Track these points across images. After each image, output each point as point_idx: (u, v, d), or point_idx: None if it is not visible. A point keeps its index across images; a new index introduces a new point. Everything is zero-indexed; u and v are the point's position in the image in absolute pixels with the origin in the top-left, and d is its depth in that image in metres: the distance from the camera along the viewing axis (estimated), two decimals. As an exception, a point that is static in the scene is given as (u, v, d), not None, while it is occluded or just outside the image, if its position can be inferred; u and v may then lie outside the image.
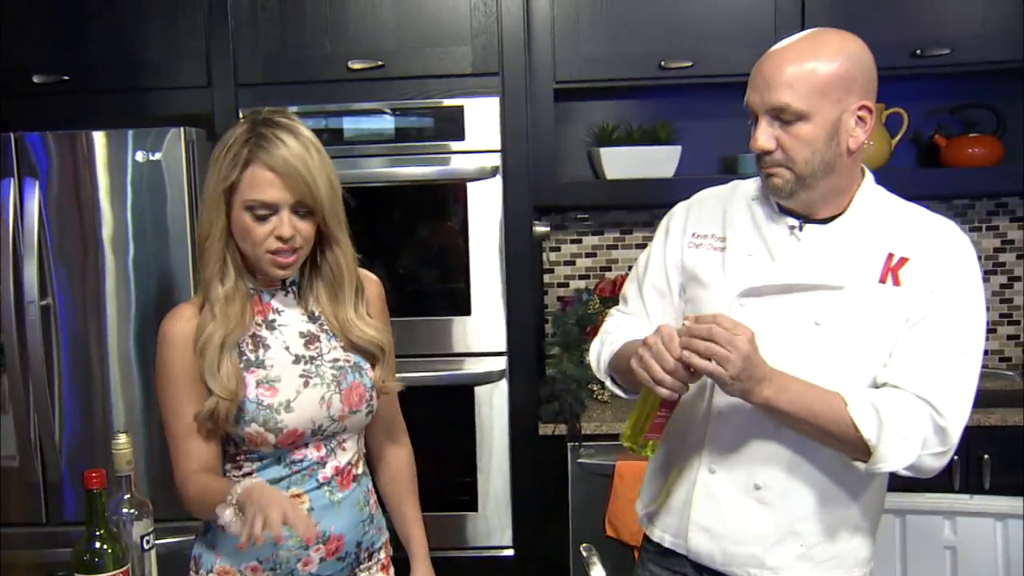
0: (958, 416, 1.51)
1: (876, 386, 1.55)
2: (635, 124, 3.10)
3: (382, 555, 1.78)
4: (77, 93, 2.72)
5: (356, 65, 2.67)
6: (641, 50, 2.85)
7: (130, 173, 2.55)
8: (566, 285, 3.30)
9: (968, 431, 1.53)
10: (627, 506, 2.66)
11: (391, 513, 1.84)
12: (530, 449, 2.74)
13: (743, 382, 1.44)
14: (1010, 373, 3.13)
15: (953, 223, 1.62)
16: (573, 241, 3.30)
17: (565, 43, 2.84)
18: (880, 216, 1.60)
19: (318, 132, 2.65)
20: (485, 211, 2.66)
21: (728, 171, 3.16)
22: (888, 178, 2.97)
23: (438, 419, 2.79)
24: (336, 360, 1.64)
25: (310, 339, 1.64)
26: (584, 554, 1.44)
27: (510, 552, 2.77)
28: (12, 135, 2.53)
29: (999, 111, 3.05)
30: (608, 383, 1.79)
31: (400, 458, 1.85)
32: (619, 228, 3.28)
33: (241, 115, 2.63)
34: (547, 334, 3.11)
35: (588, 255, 3.29)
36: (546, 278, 3.30)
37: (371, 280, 1.75)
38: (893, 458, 1.48)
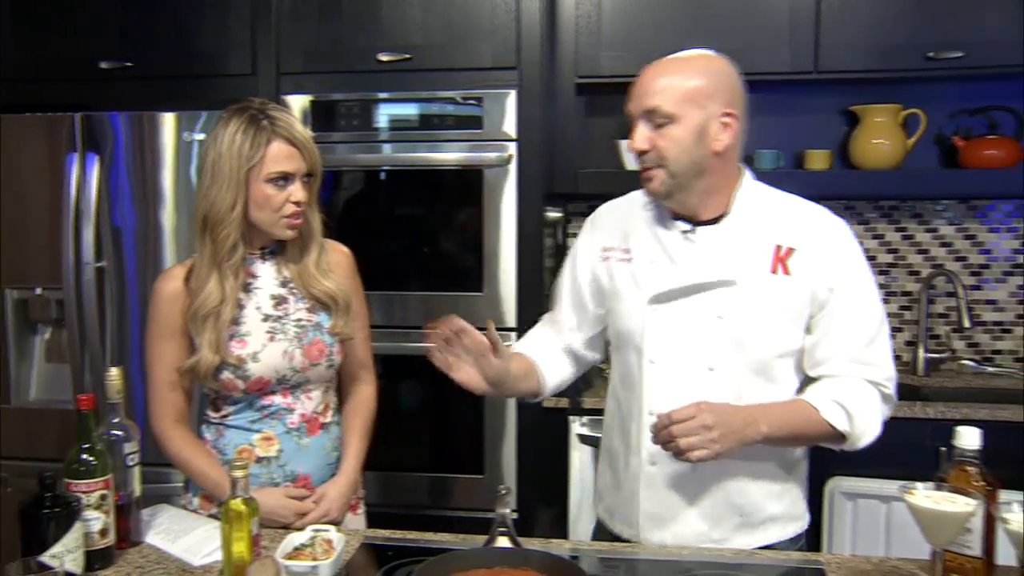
0: (893, 380, 1.76)
1: (813, 379, 1.75)
2: (657, 118, 3.22)
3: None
4: (138, 79, 3.02)
5: (385, 57, 2.89)
6: (659, 48, 2.95)
7: (179, 151, 2.84)
8: (588, 270, 3.46)
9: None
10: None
11: (342, 439, 2.01)
12: (535, 420, 2.91)
13: (730, 439, 1.59)
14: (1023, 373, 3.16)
15: (826, 210, 1.77)
16: (596, 229, 3.46)
17: (587, 40, 3.01)
18: (763, 210, 1.75)
19: (350, 118, 2.92)
20: (500, 197, 2.84)
21: (747, 166, 3.26)
22: (906, 177, 3.10)
23: (450, 388, 2.99)
24: (300, 320, 1.88)
25: (279, 301, 1.88)
26: (501, 491, 1.62)
27: (514, 515, 2.93)
28: (77, 115, 2.85)
29: (1018, 113, 3.08)
30: None
31: (359, 395, 2.05)
32: (641, 218, 3.42)
33: (279, 100, 2.90)
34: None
35: (611, 243, 3.45)
36: (569, 263, 3.47)
37: (340, 250, 1.99)
38: (865, 437, 1.71)
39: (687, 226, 1.76)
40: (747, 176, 1.79)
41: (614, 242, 1.84)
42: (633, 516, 1.82)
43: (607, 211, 1.92)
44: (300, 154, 1.80)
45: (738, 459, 1.70)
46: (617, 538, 1.88)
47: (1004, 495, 1.51)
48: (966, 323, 3.10)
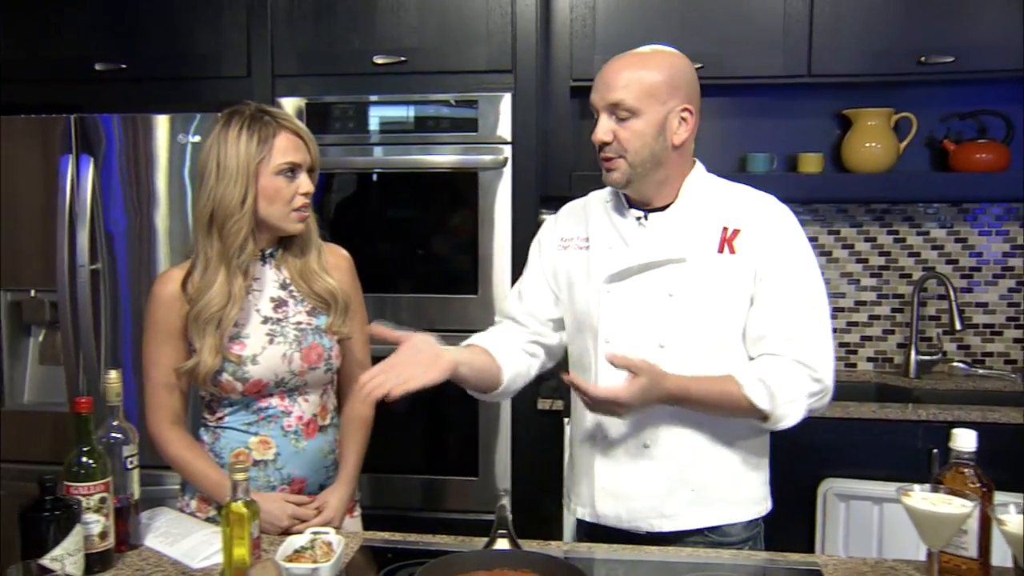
0: (826, 365, 1.78)
1: (751, 358, 1.79)
2: (651, 122, 3.23)
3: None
4: (133, 81, 3.02)
5: (380, 60, 2.89)
6: (653, 51, 3.00)
7: (172, 153, 2.84)
8: (582, 273, 3.47)
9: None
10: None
11: (339, 443, 2.01)
12: (529, 422, 2.92)
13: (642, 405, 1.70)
14: (1014, 375, 3.18)
15: (773, 197, 1.86)
16: (590, 231, 3.47)
17: (582, 44, 3.03)
18: (711, 197, 1.85)
19: (345, 121, 2.92)
20: (494, 199, 2.85)
21: (741, 169, 3.28)
22: (897, 181, 3.13)
23: (445, 390, 2.99)
24: (299, 323, 1.88)
25: (279, 304, 1.88)
26: (500, 493, 1.63)
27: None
28: (71, 117, 2.84)
29: (1008, 118, 3.11)
30: None
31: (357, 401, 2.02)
32: (635, 220, 3.43)
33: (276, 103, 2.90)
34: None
35: (604, 245, 3.46)
36: (563, 265, 3.48)
37: (340, 253, 2.00)
38: (787, 418, 1.75)
39: (640, 213, 1.85)
40: (699, 167, 1.87)
41: (575, 232, 1.93)
42: (589, 493, 1.88)
43: (569, 208, 2.02)
44: (305, 146, 1.85)
45: (692, 435, 1.79)
46: (579, 521, 1.95)
47: (999, 496, 1.53)
48: (957, 325, 3.13)
